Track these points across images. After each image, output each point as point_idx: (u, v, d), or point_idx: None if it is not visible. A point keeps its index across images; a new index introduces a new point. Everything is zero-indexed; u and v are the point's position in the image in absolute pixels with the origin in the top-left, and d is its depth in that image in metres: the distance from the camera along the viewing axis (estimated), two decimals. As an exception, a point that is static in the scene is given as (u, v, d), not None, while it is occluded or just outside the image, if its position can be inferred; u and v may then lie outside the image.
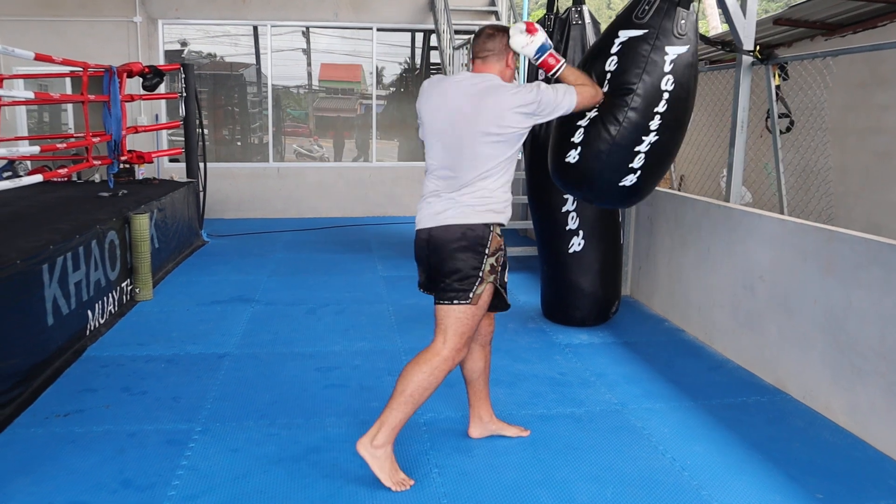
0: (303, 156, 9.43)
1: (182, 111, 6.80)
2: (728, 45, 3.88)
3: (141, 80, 6.22)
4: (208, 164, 7.54)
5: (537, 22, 4.40)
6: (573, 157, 3.12)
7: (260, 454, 2.73)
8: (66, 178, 6.23)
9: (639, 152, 3.05)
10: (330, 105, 9.63)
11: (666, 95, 3.02)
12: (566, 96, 2.61)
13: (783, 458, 2.79)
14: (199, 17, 8.54)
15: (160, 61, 8.35)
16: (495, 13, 9.07)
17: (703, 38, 3.81)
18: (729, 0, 3.86)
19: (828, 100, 3.97)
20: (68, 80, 7.88)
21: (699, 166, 7.58)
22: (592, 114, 3.05)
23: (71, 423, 2.98)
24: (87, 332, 3.94)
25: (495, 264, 2.53)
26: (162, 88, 6.71)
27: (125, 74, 5.79)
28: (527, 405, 3.26)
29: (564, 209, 4.26)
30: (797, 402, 3.31)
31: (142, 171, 6.79)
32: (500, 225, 2.57)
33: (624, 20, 3.16)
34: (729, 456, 2.80)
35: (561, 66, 2.71)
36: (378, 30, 9.01)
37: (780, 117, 4.00)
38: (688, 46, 3.05)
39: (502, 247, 2.57)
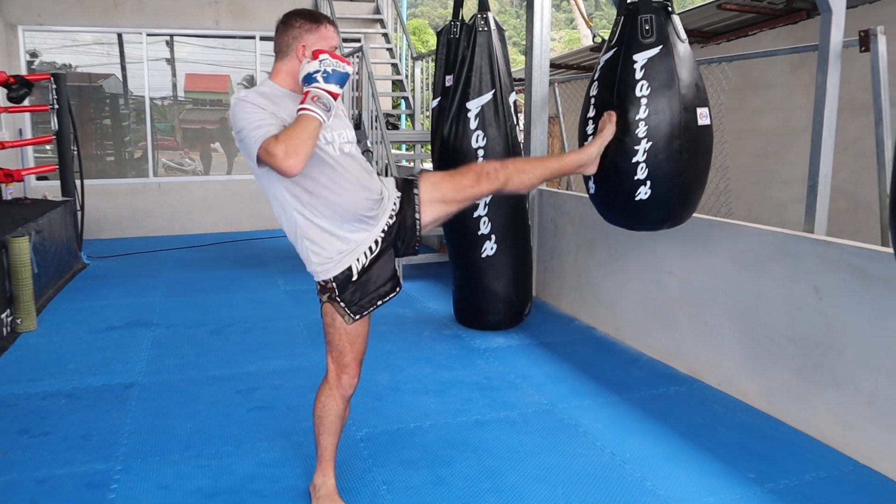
0: (173, 170, 8.95)
1: (54, 125, 6.27)
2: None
3: (6, 91, 5.69)
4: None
5: (441, 29, 4.44)
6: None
7: (193, 489, 2.54)
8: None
9: (638, 163, 3.01)
10: (197, 117, 9.21)
11: (644, 101, 2.96)
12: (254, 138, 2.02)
13: (711, 443, 2.92)
14: (66, 24, 7.93)
15: (21, 71, 7.69)
16: (381, 21, 9.05)
17: (599, 46, 3.95)
18: (627, 9, 4.02)
19: (724, 103, 4.23)
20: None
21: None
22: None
23: (-36, 474, 2.65)
24: (-33, 370, 3.54)
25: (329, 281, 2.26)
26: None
27: (-13, 85, 5.28)
28: (459, 412, 3.24)
29: (476, 214, 4.29)
30: (713, 389, 3.49)
31: (10, 191, 6.21)
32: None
33: (605, 47, 3.17)
34: (663, 446, 2.90)
35: (301, 110, 2.02)
36: (261, 38, 8.74)
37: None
38: (659, 47, 3.00)
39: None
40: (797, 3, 6.04)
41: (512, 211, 4.37)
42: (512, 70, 4.45)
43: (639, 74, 2.97)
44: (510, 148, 4.27)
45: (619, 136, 3.00)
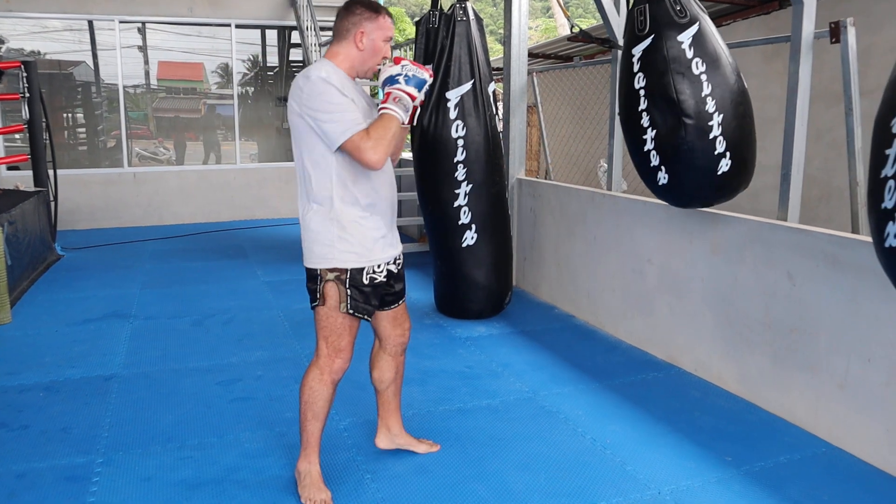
0: (147, 159, 8.84)
1: (25, 113, 6.16)
2: (605, 41, 4.08)
3: (-25, 79, 5.58)
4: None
5: (420, 19, 4.43)
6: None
7: (176, 480, 2.54)
8: None
9: (716, 137, 3.00)
10: (170, 105, 9.09)
11: (704, 77, 2.98)
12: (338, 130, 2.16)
13: (689, 427, 2.98)
14: (36, 10, 7.76)
15: (-10, 59, 7.53)
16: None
17: (584, 34, 3.98)
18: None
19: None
20: None
21: (564, 158, 7.92)
22: (651, 133, 3.08)
23: (-58, 469, 2.63)
24: (-58, 364, 3.49)
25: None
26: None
27: (-43, 74, 5.17)
28: (442, 401, 3.27)
29: (456, 204, 4.31)
30: (690, 375, 3.55)
31: (-20, 182, 6.10)
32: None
33: (630, 39, 3.17)
34: (642, 431, 2.95)
35: (384, 109, 2.23)
36: (237, 26, 8.64)
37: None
38: (697, 23, 3.01)
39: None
40: (771, -6, 6.11)
41: (492, 200, 4.39)
42: (490, 60, 4.46)
43: (689, 53, 2.98)
44: (490, 137, 4.29)
45: (686, 118, 2.98)
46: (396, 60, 2.27)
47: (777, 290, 3.05)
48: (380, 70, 2.32)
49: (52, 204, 6.58)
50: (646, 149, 3.18)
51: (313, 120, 2.17)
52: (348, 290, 2.29)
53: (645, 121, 3.15)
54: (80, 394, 3.32)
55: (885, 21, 5.35)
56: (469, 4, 4.26)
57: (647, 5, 3.06)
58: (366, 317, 2.37)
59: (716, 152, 3.01)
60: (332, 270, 2.28)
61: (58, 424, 2.99)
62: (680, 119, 3.00)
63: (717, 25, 6.54)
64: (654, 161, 3.17)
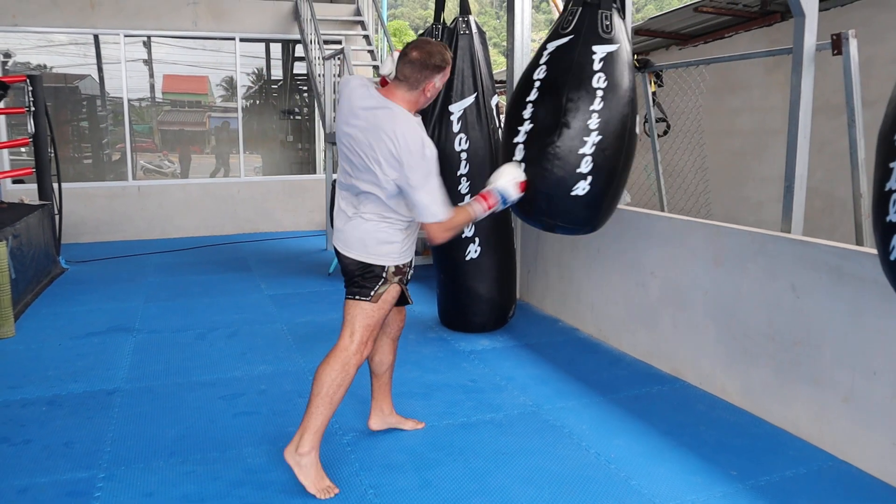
0: (152, 172, 8.88)
1: (31, 127, 6.19)
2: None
3: (-20, 94, 5.62)
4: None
5: (423, 32, 4.45)
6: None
7: (179, 496, 2.53)
8: None
9: (584, 155, 2.94)
10: (175, 118, 9.12)
11: (600, 93, 2.96)
12: (437, 206, 2.42)
13: (694, 441, 2.97)
14: (41, 25, 7.82)
15: (-4, 73, 7.59)
16: (361, 23, 9.04)
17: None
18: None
19: (702, 105, 4.29)
20: None
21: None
22: (527, 126, 3.06)
23: (-55, 484, 2.62)
24: (-54, 379, 3.49)
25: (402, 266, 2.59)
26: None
27: (-37, 88, 5.21)
28: (446, 415, 3.25)
29: (460, 217, 4.30)
30: (695, 388, 3.53)
31: (-15, 196, 6.13)
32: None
33: (551, 34, 3.18)
34: (647, 445, 2.94)
35: (480, 205, 2.67)
36: (241, 40, 8.69)
37: (657, 121, 4.28)
38: (617, 45, 3.02)
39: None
40: (772, 6, 6.14)
41: (495, 213, 4.38)
42: (493, 72, 4.47)
43: (596, 66, 2.96)
44: (493, 150, 4.30)
45: (565, 124, 2.93)
46: (522, 186, 2.76)
47: (781, 303, 3.04)
48: (504, 167, 2.80)
49: (57, 217, 6.60)
50: (514, 140, 3.11)
51: (413, 186, 2.35)
52: (404, 287, 2.60)
53: (527, 112, 3.09)
54: (82, 408, 3.31)
55: (887, 32, 5.36)
56: (472, 18, 4.28)
57: (580, 8, 3.07)
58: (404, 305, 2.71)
59: (577, 170, 2.95)
60: (396, 271, 2.53)
61: (60, 439, 2.99)
62: (559, 121, 2.95)
63: (719, 38, 6.62)
64: (518, 155, 3.10)
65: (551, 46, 3.12)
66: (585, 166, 2.94)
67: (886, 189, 1.79)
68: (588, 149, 2.93)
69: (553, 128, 2.98)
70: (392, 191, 2.40)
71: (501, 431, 3.08)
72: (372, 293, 2.51)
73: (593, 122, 2.94)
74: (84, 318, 4.83)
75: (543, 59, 3.13)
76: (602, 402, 3.40)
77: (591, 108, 2.94)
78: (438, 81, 2.47)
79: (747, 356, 3.23)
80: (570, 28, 3.08)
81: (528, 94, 3.13)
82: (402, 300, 2.68)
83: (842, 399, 2.78)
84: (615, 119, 2.96)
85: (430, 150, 2.36)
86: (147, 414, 3.25)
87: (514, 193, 2.75)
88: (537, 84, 3.11)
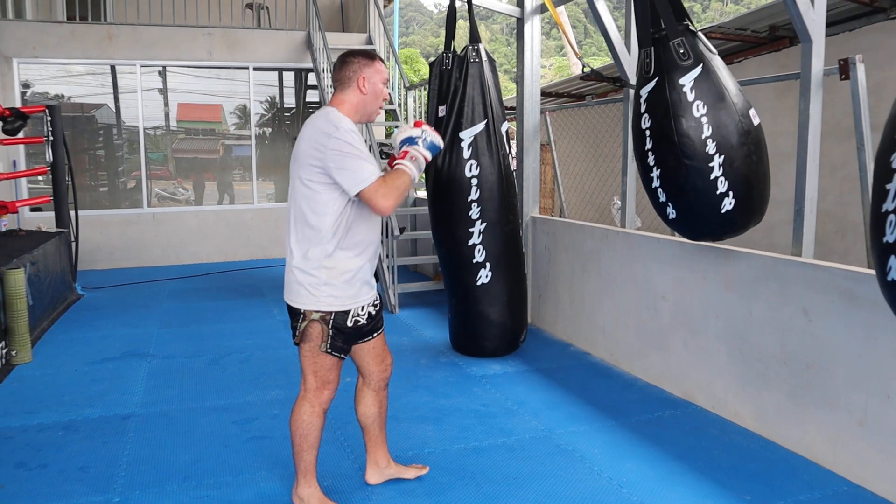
0: (166, 199, 8.99)
1: (49, 156, 6.32)
2: (616, 80, 4.14)
3: (1, 123, 5.74)
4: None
5: (434, 60, 4.53)
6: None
7: (192, 519, 2.55)
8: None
9: (717, 178, 3.02)
10: (189, 146, 9.28)
11: (705, 119, 3.00)
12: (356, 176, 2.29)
13: (707, 465, 2.95)
14: (61, 56, 8.01)
15: (16, 103, 7.76)
16: (373, 51, 9.17)
17: (596, 73, 4.05)
18: (615, 39, 4.14)
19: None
20: None
21: (578, 195, 7.95)
22: (657, 172, 3.15)
23: (-38, 508, 2.65)
24: (-36, 404, 3.53)
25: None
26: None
27: (-17, 118, 5.33)
28: (457, 440, 3.25)
29: (471, 242, 4.34)
30: (707, 412, 3.52)
31: (4, 223, 6.23)
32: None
33: (640, 80, 3.23)
34: (659, 469, 2.92)
35: (400, 164, 2.43)
36: (255, 69, 8.84)
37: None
38: (700, 64, 3.05)
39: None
40: (780, 32, 6.19)
41: (506, 238, 4.42)
42: (504, 98, 4.53)
43: (690, 96, 3.02)
44: (503, 176, 4.34)
45: (686, 159, 3.03)
46: (417, 124, 2.49)
47: (793, 326, 3.03)
48: (397, 128, 2.49)
49: (73, 244, 6.70)
50: (653, 185, 3.23)
51: (336, 167, 2.27)
52: (330, 331, 2.41)
53: (651, 160, 3.20)
54: (98, 433, 3.34)
55: None
56: (482, 46, 4.35)
57: (653, 48, 3.12)
58: (342, 355, 2.48)
59: (717, 192, 3.03)
60: (317, 311, 2.39)
61: (76, 463, 3.01)
62: (680, 160, 3.04)
63: (728, 63, 6.66)
64: (662, 198, 3.23)
65: (644, 93, 3.19)
66: (722, 186, 3.02)
67: (883, 210, 1.79)
68: (717, 171, 3.00)
69: (678, 167, 3.06)
70: (317, 188, 2.32)
71: (513, 456, 3.07)
72: (296, 333, 2.44)
73: (710, 147, 2.99)
74: (99, 344, 4.88)
75: (643, 108, 3.20)
76: (614, 426, 3.39)
77: (704, 135, 2.99)
78: (371, 75, 2.43)
79: (760, 380, 3.21)
80: (652, 70, 3.12)
81: (646, 143, 3.22)
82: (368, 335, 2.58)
83: (856, 423, 2.76)
84: (729, 132, 3.00)
85: (344, 132, 2.29)
86: (161, 438, 3.28)
87: (416, 132, 2.48)
88: (648, 133, 3.18)
